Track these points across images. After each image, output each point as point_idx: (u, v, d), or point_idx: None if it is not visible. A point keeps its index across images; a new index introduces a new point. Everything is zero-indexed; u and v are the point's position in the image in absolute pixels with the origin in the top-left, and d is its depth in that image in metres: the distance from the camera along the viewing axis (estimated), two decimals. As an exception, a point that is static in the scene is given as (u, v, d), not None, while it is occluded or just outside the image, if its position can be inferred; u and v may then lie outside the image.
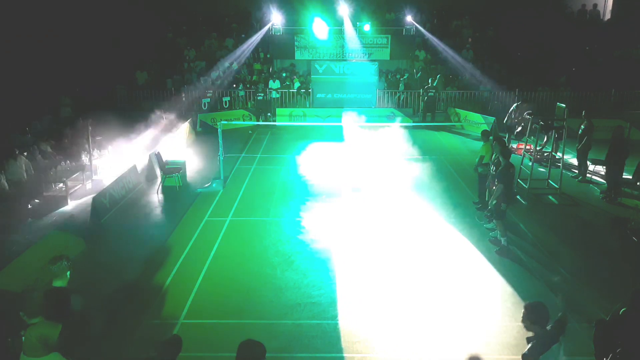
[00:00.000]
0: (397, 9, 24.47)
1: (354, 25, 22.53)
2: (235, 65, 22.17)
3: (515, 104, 15.12)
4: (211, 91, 20.30)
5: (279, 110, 19.81)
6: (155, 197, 11.40)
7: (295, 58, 22.62)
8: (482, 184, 10.25)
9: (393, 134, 15.44)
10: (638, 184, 11.44)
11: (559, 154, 12.38)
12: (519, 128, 13.95)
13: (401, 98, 21.00)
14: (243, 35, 24.65)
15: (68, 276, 4.75)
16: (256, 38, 22.99)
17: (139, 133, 14.49)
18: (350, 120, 17.18)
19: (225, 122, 12.68)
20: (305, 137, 16.91)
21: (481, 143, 10.75)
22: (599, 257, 8.32)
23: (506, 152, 8.52)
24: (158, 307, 6.85)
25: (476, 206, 10.51)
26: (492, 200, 8.50)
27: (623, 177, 11.35)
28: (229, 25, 25.21)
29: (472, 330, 6.29)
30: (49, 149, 12.30)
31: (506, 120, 15.11)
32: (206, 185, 11.92)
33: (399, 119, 18.68)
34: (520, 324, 6.29)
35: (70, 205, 10.64)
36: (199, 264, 8.05)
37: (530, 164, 12.45)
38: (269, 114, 19.43)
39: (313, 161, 14.28)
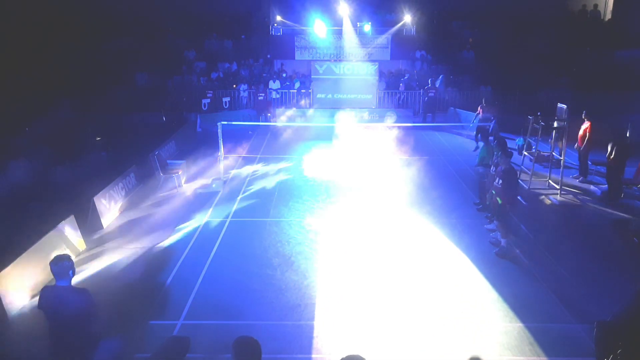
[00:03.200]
0: (397, 10, 24.47)
1: (354, 25, 22.52)
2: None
3: (480, 106, 15.62)
4: (211, 91, 20.32)
5: (279, 111, 19.87)
6: (155, 198, 11.39)
7: (295, 58, 22.62)
8: (483, 185, 10.24)
9: (393, 135, 15.44)
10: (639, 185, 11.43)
11: (555, 154, 12.38)
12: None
13: (401, 98, 21.00)
14: (243, 36, 24.66)
15: (71, 275, 4.75)
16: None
17: (138, 134, 14.49)
18: (349, 121, 17.18)
19: (225, 122, 12.66)
20: (305, 137, 16.91)
21: (482, 143, 10.75)
22: (600, 258, 8.29)
23: (508, 154, 8.45)
24: (158, 307, 6.84)
25: (477, 207, 10.50)
26: (504, 207, 8.36)
27: (624, 177, 11.33)
28: (229, 26, 25.21)
29: (472, 332, 6.28)
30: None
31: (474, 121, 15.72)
32: (205, 185, 11.92)
33: (395, 118, 18.72)
34: (521, 325, 6.35)
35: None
36: (198, 264, 8.04)
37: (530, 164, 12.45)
38: (269, 114, 19.46)
39: (313, 161, 14.27)
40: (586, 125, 12.27)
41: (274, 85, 20.93)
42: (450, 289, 7.30)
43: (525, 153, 13.62)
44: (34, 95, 15.89)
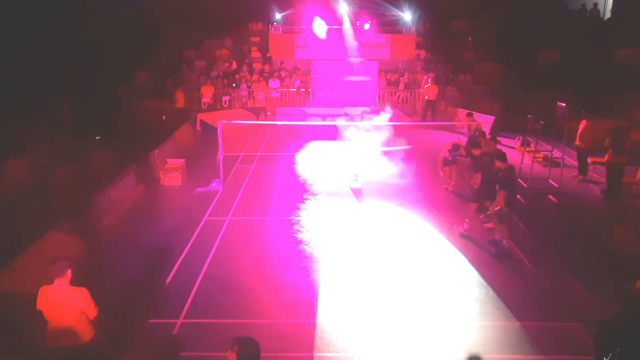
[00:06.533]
0: (397, 8, 24.47)
1: (354, 24, 22.51)
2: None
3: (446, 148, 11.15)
4: (211, 91, 20.30)
5: (279, 110, 19.89)
6: (155, 197, 11.38)
7: (295, 57, 22.60)
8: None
9: (392, 133, 15.43)
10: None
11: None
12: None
13: (401, 97, 20.98)
14: (244, 36, 24.62)
15: (69, 275, 4.75)
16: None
17: (138, 133, 14.48)
18: (349, 120, 17.17)
19: (225, 121, 12.65)
20: (304, 136, 16.90)
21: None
22: (599, 257, 8.30)
23: (500, 155, 8.41)
24: (158, 306, 6.85)
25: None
26: (494, 206, 8.26)
27: (623, 176, 11.32)
28: (229, 25, 25.17)
29: (471, 331, 6.29)
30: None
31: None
32: (205, 184, 11.91)
33: (392, 115, 18.70)
34: (520, 324, 6.36)
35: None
36: (198, 264, 8.04)
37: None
38: (268, 113, 19.47)
39: (312, 160, 14.27)
40: (585, 124, 12.27)
41: (274, 84, 20.92)
42: (450, 287, 7.31)
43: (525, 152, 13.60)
44: (34, 93, 15.85)
